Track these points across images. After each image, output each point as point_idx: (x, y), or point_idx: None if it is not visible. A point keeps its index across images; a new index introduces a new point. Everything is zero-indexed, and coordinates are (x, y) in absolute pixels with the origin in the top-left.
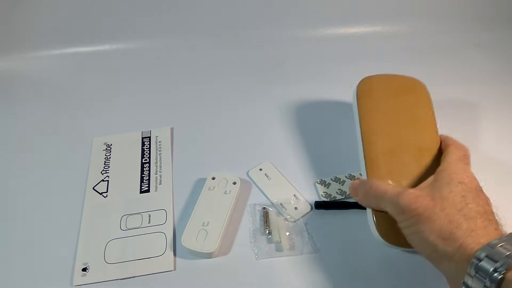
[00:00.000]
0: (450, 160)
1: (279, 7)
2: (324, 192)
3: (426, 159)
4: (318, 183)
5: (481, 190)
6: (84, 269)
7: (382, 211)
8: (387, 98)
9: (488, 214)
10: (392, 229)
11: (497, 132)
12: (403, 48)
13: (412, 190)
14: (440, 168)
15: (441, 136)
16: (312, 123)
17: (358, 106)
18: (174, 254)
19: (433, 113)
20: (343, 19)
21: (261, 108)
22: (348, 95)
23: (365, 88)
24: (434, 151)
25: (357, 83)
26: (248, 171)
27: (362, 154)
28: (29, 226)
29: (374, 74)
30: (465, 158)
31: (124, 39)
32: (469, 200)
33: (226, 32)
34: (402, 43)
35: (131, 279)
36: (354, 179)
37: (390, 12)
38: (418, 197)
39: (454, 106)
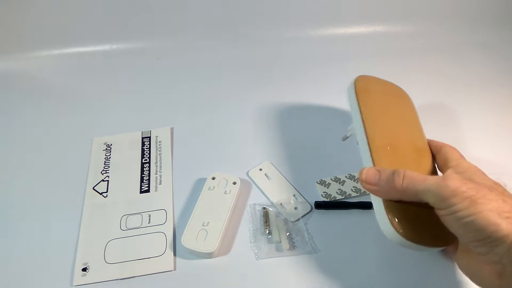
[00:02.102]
0: (456, 157)
1: (279, 7)
2: (324, 192)
3: (422, 158)
4: (318, 183)
5: None
6: (84, 269)
7: (398, 204)
8: (381, 98)
9: None
10: (411, 224)
11: (496, 132)
12: (403, 48)
13: (454, 174)
14: (452, 163)
15: (427, 140)
16: (312, 122)
17: (358, 99)
18: (174, 254)
19: (418, 118)
20: (343, 19)
21: (261, 108)
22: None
23: (362, 84)
24: (427, 152)
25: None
26: (248, 171)
27: (366, 144)
28: (29, 226)
29: (371, 74)
30: (463, 156)
31: (124, 39)
32: (501, 187)
33: (226, 32)
34: (402, 43)
35: (131, 279)
36: (363, 169)
37: (390, 12)
38: (464, 180)
39: (454, 105)
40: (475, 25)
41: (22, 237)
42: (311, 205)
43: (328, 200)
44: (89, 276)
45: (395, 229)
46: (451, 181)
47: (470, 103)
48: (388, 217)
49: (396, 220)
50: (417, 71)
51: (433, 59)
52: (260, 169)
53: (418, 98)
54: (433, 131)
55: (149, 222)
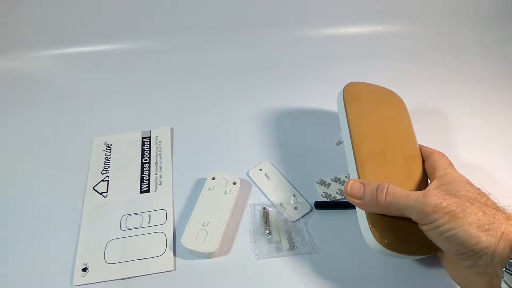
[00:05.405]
0: (444, 166)
1: (279, 7)
2: (324, 192)
3: (411, 165)
4: (318, 183)
5: None
6: (84, 269)
7: (379, 216)
8: (372, 105)
9: (501, 209)
10: (392, 235)
11: (494, 133)
12: (403, 48)
13: (435, 191)
14: (439, 173)
15: (419, 145)
16: (312, 122)
17: (346, 108)
18: (174, 254)
19: (411, 124)
20: (343, 19)
21: (261, 107)
22: None
23: (351, 92)
24: (417, 158)
25: (343, 87)
26: (248, 171)
27: (351, 154)
28: (29, 226)
29: (363, 78)
30: (452, 164)
31: (124, 39)
32: (484, 197)
33: (226, 32)
34: (402, 43)
35: (131, 279)
36: (348, 181)
37: (390, 12)
38: (445, 195)
39: (454, 105)
40: (474, 25)
41: (22, 237)
42: (311, 205)
43: (328, 200)
44: (89, 276)
45: (377, 239)
46: (432, 198)
47: (470, 103)
48: (370, 227)
49: (378, 230)
50: (416, 71)
51: (433, 59)
52: (260, 169)
53: (417, 98)
54: (430, 132)
55: (149, 222)
